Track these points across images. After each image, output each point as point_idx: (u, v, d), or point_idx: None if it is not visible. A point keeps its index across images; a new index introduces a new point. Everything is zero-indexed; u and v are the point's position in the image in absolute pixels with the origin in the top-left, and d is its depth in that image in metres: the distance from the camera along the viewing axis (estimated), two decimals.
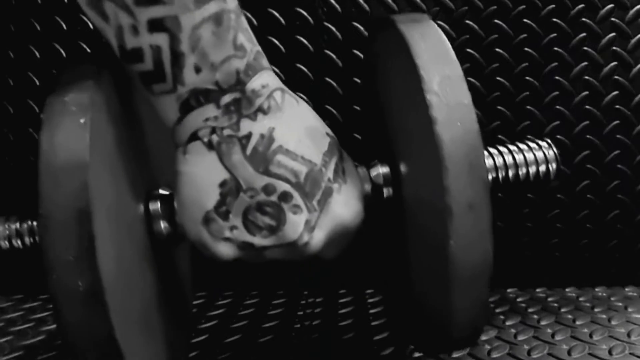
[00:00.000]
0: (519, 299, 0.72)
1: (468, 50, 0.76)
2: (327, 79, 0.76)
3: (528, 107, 0.76)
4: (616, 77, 0.76)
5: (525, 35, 0.76)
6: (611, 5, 0.75)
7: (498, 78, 0.76)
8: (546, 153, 0.52)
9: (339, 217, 0.46)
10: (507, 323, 0.63)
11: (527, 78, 0.76)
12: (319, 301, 0.75)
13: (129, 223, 0.47)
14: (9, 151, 0.78)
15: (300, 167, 0.45)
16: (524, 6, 0.75)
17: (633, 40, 0.75)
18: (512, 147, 0.52)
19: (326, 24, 0.76)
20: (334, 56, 0.76)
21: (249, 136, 0.44)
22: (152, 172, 0.54)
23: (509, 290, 0.76)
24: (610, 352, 0.54)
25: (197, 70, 0.42)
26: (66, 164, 0.40)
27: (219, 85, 0.43)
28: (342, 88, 0.76)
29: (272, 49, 0.75)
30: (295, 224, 0.45)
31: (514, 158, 0.51)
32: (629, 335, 0.58)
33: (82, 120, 0.41)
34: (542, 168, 0.51)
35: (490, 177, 0.50)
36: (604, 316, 0.64)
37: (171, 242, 0.50)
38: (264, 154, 0.44)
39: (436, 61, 0.43)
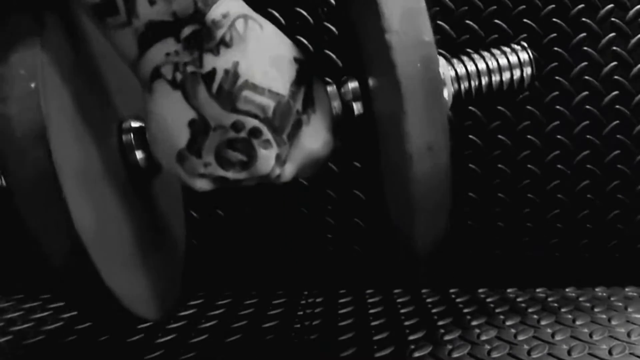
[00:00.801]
0: (519, 299, 0.72)
1: (468, 50, 0.75)
2: (327, 79, 0.76)
3: (528, 107, 0.76)
4: (616, 77, 0.76)
5: (525, 35, 0.75)
6: (611, 5, 0.75)
7: None
8: (520, 57, 0.50)
9: (308, 149, 0.47)
10: (507, 323, 0.63)
11: None
12: (319, 301, 0.75)
13: (103, 167, 0.47)
14: None
15: (268, 101, 0.44)
16: (524, 6, 0.75)
17: (633, 40, 0.75)
18: (484, 53, 0.50)
19: (326, 24, 0.76)
20: (334, 56, 0.76)
21: (213, 73, 0.43)
22: (119, 105, 0.53)
23: (509, 290, 0.76)
24: (610, 352, 0.54)
25: (151, 1, 0.41)
26: (25, 137, 0.39)
27: (177, 17, 0.42)
28: None
29: None
30: (267, 159, 0.45)
31: (486, 65, 0.49)
32: (629, 335, 0.58)
33: (32, 85, 0.40)
34: (517, 74, 0.50)
35: (463, 87, 0.49)
36: (604, 316, 0.64)
37: (149, 173, 0.50)
38: (230, 91, 0.43)
39: None
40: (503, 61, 0.49)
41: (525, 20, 0.75)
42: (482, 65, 0.49)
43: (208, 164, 0.45)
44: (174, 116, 0.44)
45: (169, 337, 0.62)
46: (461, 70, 0.49)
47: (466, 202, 0.77)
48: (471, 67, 0.49)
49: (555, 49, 0.76)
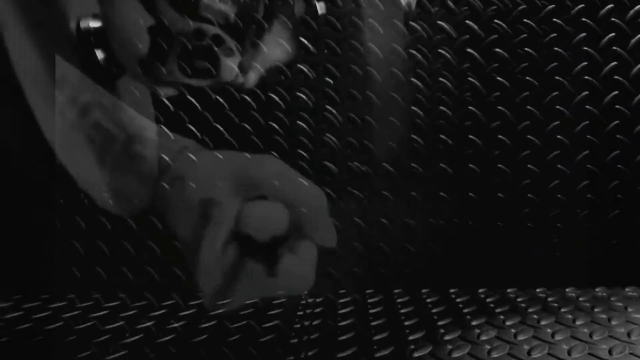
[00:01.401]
0: (519, 299, 0.72)
1: (468, 50, 0.75)
2: (327, 78, 0.76)
3: (528, 107, 0.76)
4: (616, 77, 0.76)
5: (525, 35, 0.75)
6: (611, 5, 0.75)
7: (498, 78, 0.76)
8: None
9: (270, 57, 0.47)
10: (507, 323, 0.63)
11: (527, 78, 0.76)
12: (319, 301, 0.74)
13: (64, 71, 0.46)
14: None
15: (228, 8, 0.44)
16: (524, 6, 0.75)
17: (633, 40, 0.75)
18: None
19: None
20: None
21: None
22: (76, 5, 0.51)
23: (509, 290, 0.76)
24: (610, 352, 0.54)
25: None
26: None
27: None
28: None
29: None
30: (229, 67, 0.45)
31: None
32: (629, 335, 0.58)
33: None
34: None
35: None
36: (604, 316, 0.64)
37: (111, 74, 0.49)
38: None
39: None
40: None
41: (525, 20, 0.75)
42: None
43: (171, 71, 0.45)
44: (132, 22, 0.44)
45: (169, 337, 0.62)
46: None
47: (466, 202, 0.77)
48: None
49: (555, 49, 0.76)
